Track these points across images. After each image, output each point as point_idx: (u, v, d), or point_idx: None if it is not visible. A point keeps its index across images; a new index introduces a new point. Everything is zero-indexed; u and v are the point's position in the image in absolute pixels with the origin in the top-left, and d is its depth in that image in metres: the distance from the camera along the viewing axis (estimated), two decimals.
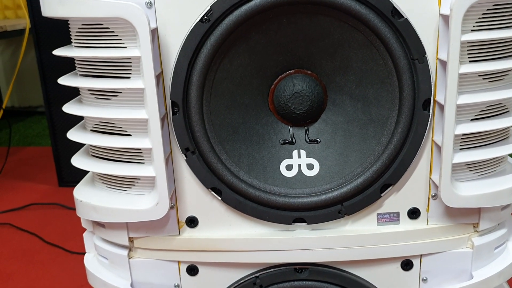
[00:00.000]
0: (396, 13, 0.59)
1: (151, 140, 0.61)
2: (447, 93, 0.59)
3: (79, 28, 0.62)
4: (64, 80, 0.65)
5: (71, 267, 1.33)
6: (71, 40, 0.65)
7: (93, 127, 0.66)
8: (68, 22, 0.64)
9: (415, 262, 0.69)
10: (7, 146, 2.17)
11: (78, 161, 0.68)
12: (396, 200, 0.67)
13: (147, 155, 0.64)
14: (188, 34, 0.59)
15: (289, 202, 0.64)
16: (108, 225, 0.68)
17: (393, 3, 0.59)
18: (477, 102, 0.62)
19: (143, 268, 0.70)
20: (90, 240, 0.74)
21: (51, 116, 1.72)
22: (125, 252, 0.69)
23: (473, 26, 0.60)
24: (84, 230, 0.74)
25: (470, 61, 0.61)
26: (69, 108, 0.66)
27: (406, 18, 0.59)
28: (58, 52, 0.65)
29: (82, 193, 0.69)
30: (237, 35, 0.60)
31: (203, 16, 0.59)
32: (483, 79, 0.62)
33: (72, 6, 0.59)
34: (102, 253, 0.72)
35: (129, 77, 0.61)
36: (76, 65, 0.66)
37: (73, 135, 0.67)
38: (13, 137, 2.49)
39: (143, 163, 0.64)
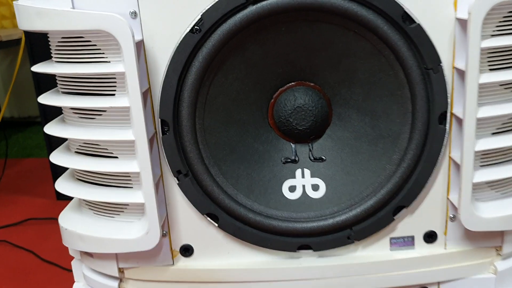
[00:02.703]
0: (408, 18, 0.54)
1: (139, 163, 0.56)
2: (466, 105, 0.55)
3: (58, 42, 0.58)
4: (45, 99, 0.60)
5: (68, 287, 1.27)
6: (51, 55, 0.60)
7: (77, 148, 0.62)
8: (48, 35, 0.59)
9: None
10: (4, 158, 2.13)
11: (62, 185, 0.63)
12: (411, 223, 0.63)
13: (136, 179, 0.59)
14: (178, 46, 0.55)
15: (293, 227, 0.61)
16: (96, 254, 0.64)
17: (403, 7, 0.54)
18: (499, 115, 0.56)
19: None
20: (79, 269, 0.70)
21: None
22: (115, 284, 0.65)
23: (493, 31, 0.55)
24: None
25: (490, 70, 0.56)
26: (51, 128, 0.61)
27: (419, 24, 0.55)
28: (37, 68, 0.60)
29: (67, 220, 0.65)
30: (232, 46, 0.57)
31: (194, 26, 0.55)
32: (505, 88, 0.57)
33: (50, 18, 0.54)
34: (91, 283, 0.67)
35: (113, 95, 0.57)
36: (57, 81, 0.61)
37: (56, 157, 0.62)
38: (12, 148, 2.45)
39: (132, 187, 0.60)
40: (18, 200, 1.86)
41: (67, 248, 0.76)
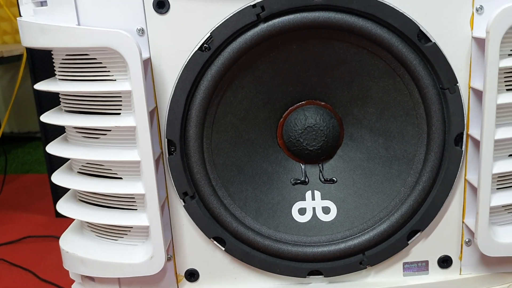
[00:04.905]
0: (423, 36, 0.53)
1: (144, 184, 0.54)
2: (483, 126, 0.53)
3: (63, 59, 0.56)
4: (47, 118, 0.58)
5: None
6: (55, 73, 0.58)
7: (80, 168, 0.60)
8: (52, 52, 0.58)
9: None
10: (3, 174, 2.10)
11: (63, 207, 0.61)
12: (425, 247, 0.60)
13: (140, 201, 0.57)
14: (186, 64, 0.54)
15: (303, 252, 0.59)
16: (98, 278, 0.62)
17: (419, 25, 0.53)
18: None
19: None
20: None
21: (47, 142, 1.66)
22: None
23: (511, 50, 0.53)
24: None
25: (507, 90, 0.54)
26: (53, 148, 0.59)
27: (435, 42, 0.53)
28: (40, 86, 0.58)
29: (68, 242, 0.62)
30: (241, 65, 0.55)
31: (203, 44, 0.53)
32: None
33: (54, 35, 0.53)
34: None
35: (119, 114, 0.55)
36: (60, 100, 0.59)
37: (58, 178, 0.60)
38: (11, 164, 2.43)
39: (136, 209, 0.57)
40: (16, 217, 1.83)
41: None
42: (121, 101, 0.54)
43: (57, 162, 1.67)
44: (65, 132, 0.61)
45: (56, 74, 0.59)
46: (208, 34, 0.53)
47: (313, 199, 0.60)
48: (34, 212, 1.83)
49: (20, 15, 0.57)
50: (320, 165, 0.61)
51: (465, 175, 0.58)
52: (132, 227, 0.58)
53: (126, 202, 0.57)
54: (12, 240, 1.61)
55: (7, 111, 2.25)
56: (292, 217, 0.60)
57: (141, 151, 0.53)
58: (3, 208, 1.89)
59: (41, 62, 1.60)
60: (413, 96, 0.55)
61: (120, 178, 0.57)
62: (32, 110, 2.62)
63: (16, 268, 1.44)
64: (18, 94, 2.22)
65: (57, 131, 1.63)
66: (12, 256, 1.51)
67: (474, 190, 0.57)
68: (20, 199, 1.96)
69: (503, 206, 0.58)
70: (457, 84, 0.54)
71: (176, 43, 0.54)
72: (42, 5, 0.55)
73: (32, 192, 2.03)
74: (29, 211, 1.84)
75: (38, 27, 0.53)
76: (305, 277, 0.60)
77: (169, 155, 0.56)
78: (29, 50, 1.59)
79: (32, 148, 2.62)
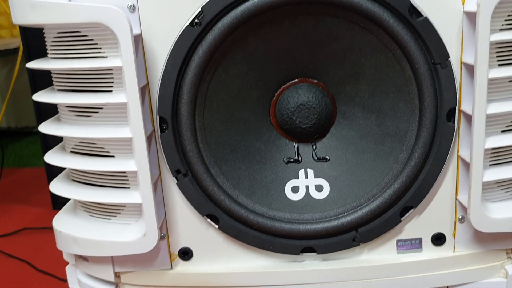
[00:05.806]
0: (414, 11, 0.53)
1: (137, 162, 0.54)
2: (475, 101, 0.53)
3: (54, 37, 0.56)
4: (40, 96, 0.59)
5: None
6: (47, 52, 0.58)
7: (72, 148, 0.60)
8: (43, 30, 0.58)
9: None
10: (1, 168, 2.11)
11: (57, 186, 0.61)
12: (418, 224, 0.60)
13: (133, 179, 0.57)
14: (177, 40, 0.54)
15: (296, 229, 0.59)
16: (92, 258, 0.62)
17: (410, 0, 0.52)
18: (508, 111, 0.55)
19: None
20: (73, 275, 0.68)
21: (44, 135, 1.65)
22: None
23: (502, 25, 0.53)
24: None
25: (499, 65, 0.54)
26: (46, 127, 0.59)
27: (426, 17, 0.53)
28: (32, 65, 0.58)
29: (62, 222, 0.62)
30: (233, 41, 0.55)
31: (194, 19, 0.53)
32: None
33: (45, 11, 0.53)
34: None
35: (110, 91, 0.55)
36: (53, 78, 0.59)
37: (51, 157, 0.60)
38: (8, 158, 2.43)
39: (129, 188, 0.57)
40: (14, 210, 1.84)
41: (62, 258, 0.74)
42: (112, 78, 0.54)
43: None
44: (48, 119, 0.61)
45: (47, 54, 0.59)
46: (199, 9, 0.52)
47: (306, 177, 0.60)
48: (31, 204, 1.83)
49: None
50: (313, 143, 0.61)
51: (457, 152, 0.58)
52: (125, 206, 0.58)
53: (119, 180, 0.58)
54: (9, 232, 1.62)
55: (3, 105, 2.25)
56: (285, 195, 0.60)
57: (133, 128, 0.53)
58: (0, 201, 1.89)
59: (38, 56, 1.60)
60: (405, 72, 0.55)
61: (113, 156, 0.57)
62: (29, 104, 2.62)
63: (13, 259, 1.44)
64: (14, 89, 2.23)
65: None
66: (9, 248, 1.51)
67: (467, 166, 0.57)
68: (17, 192, 1.97)
69: (496, 183, 0.58)
70: (449, 59, 0.54)
71: (167, 18, 0.54)
72: None
73: (29, 185, 2.04)
74: (26, 204, 1.84)
75: (29, 4, 0.53)
76: (299, 254, 0.60)
77: (161, 133, 0.56)
78: (25, 44, 1.59)
79: (29, 142, 2.62)
